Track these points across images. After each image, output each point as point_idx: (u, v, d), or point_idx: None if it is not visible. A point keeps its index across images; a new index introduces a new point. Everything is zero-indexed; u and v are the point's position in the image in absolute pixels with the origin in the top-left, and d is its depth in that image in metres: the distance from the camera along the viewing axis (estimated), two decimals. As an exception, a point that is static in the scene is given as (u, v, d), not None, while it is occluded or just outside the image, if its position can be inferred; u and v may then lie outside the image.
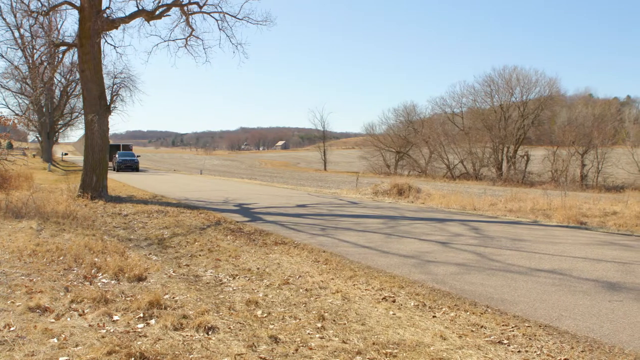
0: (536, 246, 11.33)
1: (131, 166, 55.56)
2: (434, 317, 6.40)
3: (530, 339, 5.63)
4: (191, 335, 5.51)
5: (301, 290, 7.49)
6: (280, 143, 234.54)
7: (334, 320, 6.15)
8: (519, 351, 5.28)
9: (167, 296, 6.98)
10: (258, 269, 8.91)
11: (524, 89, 61.14)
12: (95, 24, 20.11)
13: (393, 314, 6.45)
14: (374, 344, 5.37)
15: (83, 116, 23.54)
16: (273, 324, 5.98)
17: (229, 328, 5.79)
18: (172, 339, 5.38)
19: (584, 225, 15.33)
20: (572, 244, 11.75)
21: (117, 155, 56.60)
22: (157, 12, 22.41)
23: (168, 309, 6.40)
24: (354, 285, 7.90)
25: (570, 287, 7.86)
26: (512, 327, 5.99)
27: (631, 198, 23.51)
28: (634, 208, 18.50)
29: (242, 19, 23.41)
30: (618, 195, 28.76)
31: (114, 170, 55.11)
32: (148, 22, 22.75)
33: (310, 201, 22.51)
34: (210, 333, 5.61)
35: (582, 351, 5.29)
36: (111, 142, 58.68)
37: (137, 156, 59.18)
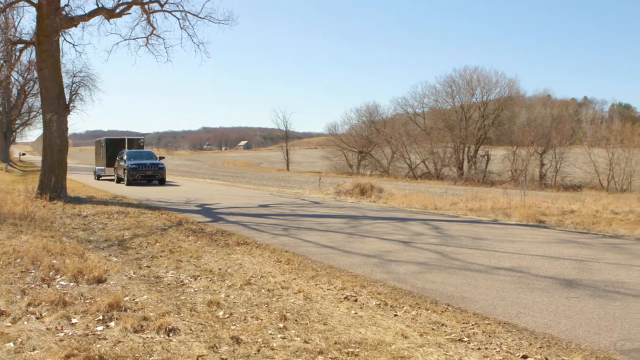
0: (496, 245, 11.49)
1: (154, 176, 33.41)
2: (395, 315, 6.44)
3: (489, 336, 5.70)
4: (152, 337, 5.44)
5: (263, 291, 7.47)
6: (242, 143, 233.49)
7: (296, 320, 6.15)
8: (478, 348, 5.34)
9: (127, 298, 6.90)
10: (220, 269, 8.85)
11: (484, 89, 62.05)
12: (54, 21, 19.77)
13: (355, 313, 6.47)
14: (336, 343, 5.38)
15: (41, 115, 23.08)
16: (235, 325, 5.95)
17: (190, 329, 5.74)
18: (132, 341, 5.32)
19: (543, 223, 15.59)
20: (531, 242, 11.94)
21: (125, 158, 34.20)
22: (118, 10, 22.16)
23: (128, 310, 6.31)
24: (316, 285, 7.91)
25: (529, 284, 7.99)
26: (473, 325, 6.06)
27: (588, 197, 24.03)
28: (590, 207, 18.91)
29: (203, 18, 23.29)
30: (575, 194, 29.33)
31: (122, 182, 34.61)
32: (108, 20, 22.47)
33: (273, 201, 22.49)
34: (171, 335, 5.55)
35: (540, 347, 5.37)
36: (104, 137, 40.92)
37: (161, 158, 36.14)
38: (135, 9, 22.96)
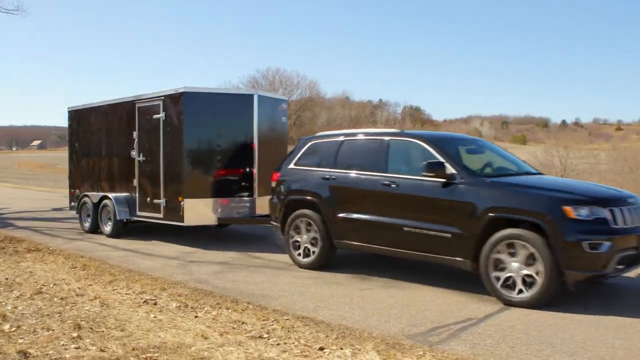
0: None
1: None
2: (196, 317, 6.38)
3: (288, 331, 5.83)
4: None
5: (56, 299, 7.05)
6: (36, 143, 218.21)
7: (92, 329, 5.87)
8: (278, 344, 5.44)
9: None
10: (7, 279, 8.22)
11: (286, 90, 63.64)
12: None
13: (154, 317, 6.33)
14: (134, 349, 5.22)
15: None
16: (23, 338, 5.55)
17: (-30, 347, 5.27)
18: None
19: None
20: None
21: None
22: None
23: None
24: (114, 290, 7.62)
25: (326, 279, 8.30)
26: (272, 321, 6.16)
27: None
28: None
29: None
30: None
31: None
32: None
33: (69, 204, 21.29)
34: (-53, 355, 5.06)
35: (336, 338, 5.60)
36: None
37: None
38: None
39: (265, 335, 5.69)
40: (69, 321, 6.13)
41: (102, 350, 5.21)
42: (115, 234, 12.38)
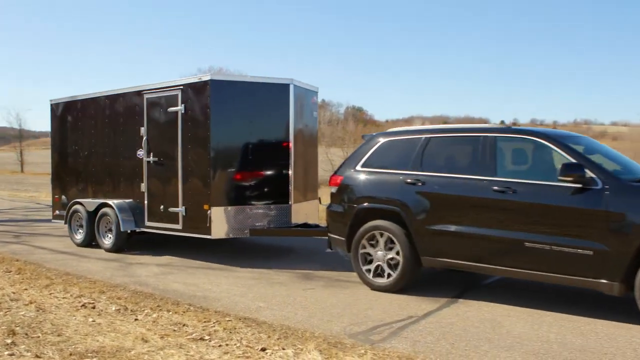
0: (233, 243, 11.73)
1: None
2: (136, 320, 6.27)
3: (230, 332, 5.79)
4: None
5: (-12, 305, 6.84)
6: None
7: (27, 334, 5.70)
8: (219, 345, 5.39)
9: None
10: (-64, 285, 7.93)
11: (228, 90, 63.08)
12: None
13: (93, 321, 6.19)
14: (71, 354, 5.09)
15: None
16: (-47, 346, 5.36)
17: None
18: None
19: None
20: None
21: None
22: None
23: None
24: (51, 294, 7.43)
25: (269, 279, 8.28)
26: (214, 323, 6.11)
27: (324, 195, 25.57)
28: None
29: None
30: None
31: None
32: None
33: (3, 206, 20.75)
34: None
35: (278, 338, 5.58)
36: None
37: None
38: None
39: (207, 337, 5.63)
40: (3, 327, 5.93)
41: (37, 357, 5.07)
42: (117, 247, 10.64)
